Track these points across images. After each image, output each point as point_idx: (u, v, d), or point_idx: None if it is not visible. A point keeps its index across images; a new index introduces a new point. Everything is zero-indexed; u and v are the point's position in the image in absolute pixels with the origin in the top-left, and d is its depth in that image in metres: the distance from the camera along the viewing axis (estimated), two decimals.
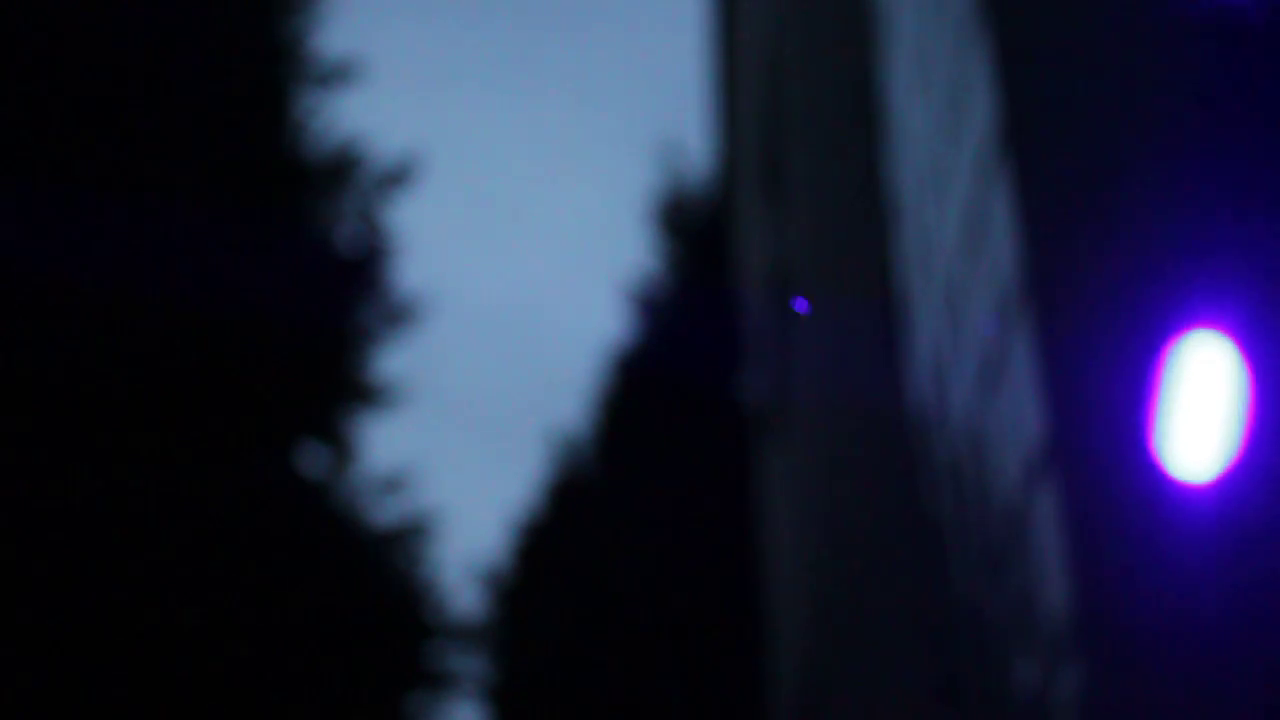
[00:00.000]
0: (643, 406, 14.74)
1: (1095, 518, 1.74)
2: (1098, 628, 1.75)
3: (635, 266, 17.41)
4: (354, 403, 10.99)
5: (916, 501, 3.10)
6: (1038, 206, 1.99)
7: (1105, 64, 1.59)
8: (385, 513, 11.26)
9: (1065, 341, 1.86)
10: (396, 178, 11.57)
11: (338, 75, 11.56)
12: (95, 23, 9.87)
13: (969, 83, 2.41)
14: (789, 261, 6.19)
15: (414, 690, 11.05)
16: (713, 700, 13.26)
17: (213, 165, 10.14)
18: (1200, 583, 1.30)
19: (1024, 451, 2.13)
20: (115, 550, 9.04)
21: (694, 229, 15.58)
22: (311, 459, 10.68)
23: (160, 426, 9.51)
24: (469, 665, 12.25)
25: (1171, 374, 1.40)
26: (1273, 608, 1.12)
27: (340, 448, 10.88)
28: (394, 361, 19.88)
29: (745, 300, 9.68)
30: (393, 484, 11.25)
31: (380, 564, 10.88)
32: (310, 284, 10.51)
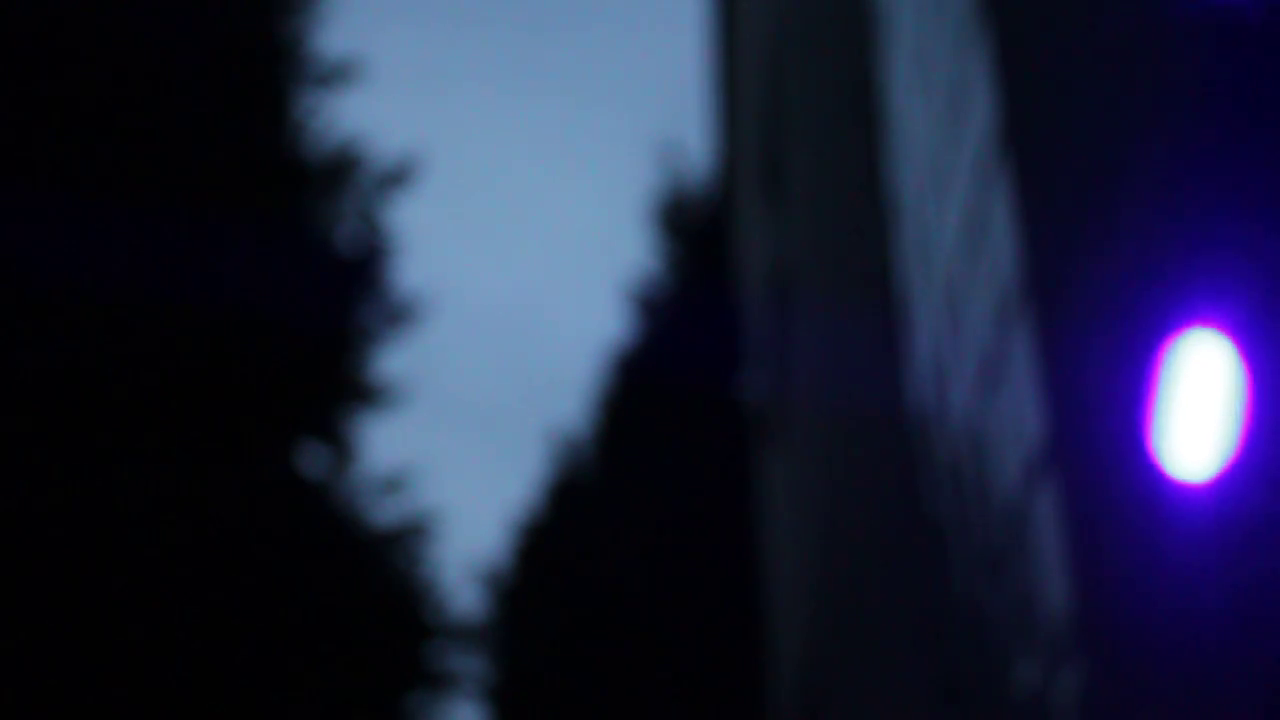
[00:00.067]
0: (643, 407, 14.73)
1: (1095, 518, 1.74)
2: (1097, 628, 1.75)
3: (635, 266, 17.41)
4: (354, 403, 10.99)
5: (916, 501, 3.09)
6: (1037, 206, 1.98)
7: (1105, 64, 1.59)
8: (385, 513, 11.25)
9: (1065, 342, 1.86)
10: (396, 178, 11.57)
11: (338, 75, 11.56)
12: (95, 23, 9.87)
13: (969, 83, 2.41)
14: (789, 261, 6.18)
15: (414, 690, 11.04)
16: (713, 700, 13.25)
17: (213, 165, 10.14)
18: (1199, 583, 1.30)
19: (1024, 451, 2.13)
20: (116, 550, 9.04)
21: (694, 229, 15.56)
22: (311, 459, 10.68)
23: (161, 427, 9.50)
24: (469, 665, 12.25)
25: (1170, 374, 1.40)
26: (1273, 608, 1.12)
27: (340, 448, 10.88)
28: (394, 361, 19.89)
29: (745, 300, 9.67)
30: (392, 484, 11.24)
31: (380, 564, 10.87)
32: (310, 284, 10.50)
